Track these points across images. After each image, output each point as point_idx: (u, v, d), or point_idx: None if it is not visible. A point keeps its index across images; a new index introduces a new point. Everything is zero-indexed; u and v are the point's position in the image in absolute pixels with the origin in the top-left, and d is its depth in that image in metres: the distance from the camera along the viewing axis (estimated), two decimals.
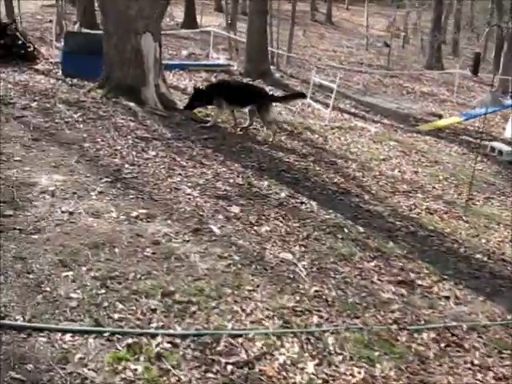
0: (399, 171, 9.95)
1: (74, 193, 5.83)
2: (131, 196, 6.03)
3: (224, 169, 7.53)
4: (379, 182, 8.90)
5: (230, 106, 9.56)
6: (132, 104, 9.43)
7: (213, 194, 6.59)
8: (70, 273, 4.32)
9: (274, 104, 10.01)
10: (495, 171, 11.34)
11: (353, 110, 15.32)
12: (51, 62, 14.01)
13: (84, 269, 4.42)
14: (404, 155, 11.27)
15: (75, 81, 11.89)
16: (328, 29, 41.34)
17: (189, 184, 6.73)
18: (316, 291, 5.00)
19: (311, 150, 9.72)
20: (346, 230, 6.42)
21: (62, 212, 5.35)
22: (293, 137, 10.45)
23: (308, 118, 12.78)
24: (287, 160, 8.70)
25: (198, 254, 5.07)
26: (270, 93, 11.10)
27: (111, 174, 6.53)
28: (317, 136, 10.94)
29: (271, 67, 17.03)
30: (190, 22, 26.44)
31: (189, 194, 6.44)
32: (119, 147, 7.50)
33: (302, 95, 12.18)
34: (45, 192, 5.73)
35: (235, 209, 6.32)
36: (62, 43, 14.93)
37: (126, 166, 6.89)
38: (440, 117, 16.06)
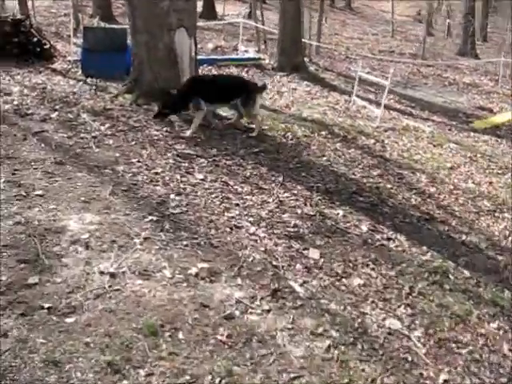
0: (473, 182, 8.63)
1: (114, 241, 4.54)
2: (184, 242, 4.73)
3: (287, 194, 6.22)
4: (458, 199, 7.58)
5: (211, 106, 7.91)
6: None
7: (282, 232, 5.28)
8: (125, 383, 3.02)
9: (260, 94, 8.48)
10: None
11: (398, 106, 13.90)
12: (69, 61, 12.72)
13: (142, 373, 3.13)
14: (470, 161, 9.93)
15: (97, 81, 10.59)
16: (348, 15, 39.76)
17: (250, 219, 5.42)
18: (445, 381, 3.69)
19: (373, 161, 8.38)
20: (451, 277, 5.12)
21: (101, 273, 4.07)
22: (347, 143, 9.09)
23: (356, 118, 11.38)
24: (353, 177, 7.37)
25: (286, 333, 3.77)
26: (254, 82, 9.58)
27: (155, 209, 5.23)
28: (373, 141, 9.59)
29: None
30: (209, 11, 24.98)
31: (253, 234, 5.14)
32: (159, 169, 6.19)
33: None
34: (76, 242, 4.44)
35: (314, 253, 5.02)
36: (81, 39, 13.64)
37: (172, 196, 5.59)
38: (490, 111, 14.64)
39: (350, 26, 33.22)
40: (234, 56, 15.54)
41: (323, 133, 9.25)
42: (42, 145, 6.49)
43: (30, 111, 7.83)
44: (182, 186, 5.91)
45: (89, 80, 10.76)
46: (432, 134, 11.21)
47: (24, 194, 5.15)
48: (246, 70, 14.35)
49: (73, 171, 5.83)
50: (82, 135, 7.03)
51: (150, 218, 5.06)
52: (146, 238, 4.69)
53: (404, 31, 32.94)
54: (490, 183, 8.79)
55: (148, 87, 8.39)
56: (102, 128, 7.36)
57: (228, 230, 5.17)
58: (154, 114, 7.82)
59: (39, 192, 5.23)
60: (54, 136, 6.87)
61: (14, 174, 5.58)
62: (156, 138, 7.24)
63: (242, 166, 6.79)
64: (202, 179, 6.16)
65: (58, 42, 15.31)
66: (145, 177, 5.95)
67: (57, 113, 7.80)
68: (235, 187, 6.14)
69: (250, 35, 19.93)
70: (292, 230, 5.42)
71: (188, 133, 7.42)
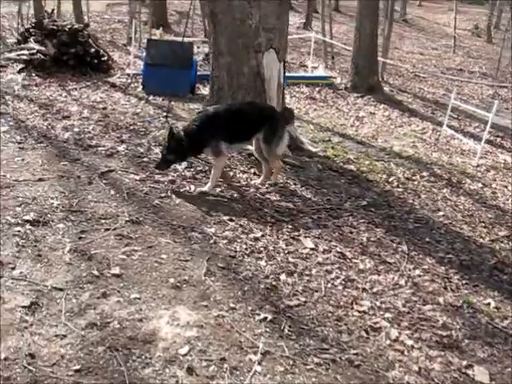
0: None
1: (223, 359, 3.24)
2: (315, 358, 3.42)
3: (418, 271, 4.88)
4: None
5: (232, 146, 5.92)
6: (251, 147, 6.80)
7: (431, 338, 3.95)
8: None
9: (291, 126, 6.24)
10: None
11: (487, 136, 12.30)
12: (128, 74, 11.60)
13: None
14: None
15: (162, 101, 9.43)
16: (403, 28, 38.12)
17: (387, 315, 4.10)
18: None
19: (490, 214, 6.96)
20: None
21: None
22: (454, 188, 7.69)
23: (450, 153, 9.95)
24: (482, 241, 5.95)
25: None
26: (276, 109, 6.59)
27: (266, 299, 3.94)
28: (480, 185, 8.16)
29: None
30: None
31: (397, 341, 3.78)
32: (258, 232, 4.92)
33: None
34: (173, 362, 3.19)
35: (481, 374, 3.63)
36: (138, 49, 12.54)
37: (282, 276, 4.30)
38: None
39: (407, 40, 31.68)
40: (303, 74, 14.22)
41: (425, 174, 7.90)
42: (112, 192, 5.27)
43: (93, 142, 6.66)
44: (290, 259, 4.59)
45: (151, 98, 9.59)
46: None
47: (96, 272, 3.90)
48: (317, 89, 13.02)
49: (153, 235, 4.56)
50: (156, 177, 5.79)
51: (263, 315, 3.76)
52: (264, 353, 3.36)
53: (465, 46, 31.21)
54: None
55: None
56: (179, 168, 6.10)
57: (363, 333, 3.83)
58: (156, 163, 5.84)
59: (115, 270, 3.98)
60: (125, 178, 5.64)
61: (80, 238, 4.33)
62: (238, 185, 5.94)
63: (353, 226, 5.45)
64: (312, 248, 4.83)
65: (113, 51, 14.30)
66: (243, 245, 4.66)
67: (124, 145, 6.60)
68: (354, 261, 4.80)
69: (309, 48, 18.62)
70: (442, 332, 4.05)
71: (206, 187, 5.69)
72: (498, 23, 37.39)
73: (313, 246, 4.90)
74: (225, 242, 4.66)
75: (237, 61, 6.98)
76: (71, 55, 10.92)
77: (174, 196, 5.40)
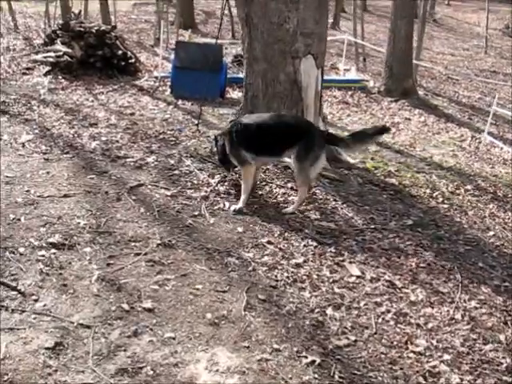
0: None
1: None
2: None
3: (474, 302, 4.45)
4: None
5: (257, 158, 5.39)
6: (288, 160, 6.41)
7: None
8: None
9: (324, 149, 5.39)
10: None
11: None
12: (156, 77, 11.28)
13: None
14: None
15: (191, 105, 9.10)
16: (432, 27, 37.27)
17: (445, 356, 3.67)
18: None
19: None
20: None
21: None
22: (500, 203, 7.19)
23: (492, 162, 9.44)
24: None
25: None
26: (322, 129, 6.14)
27: (312, 338, 3.55)
28: None
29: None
30: None
31: None
32: (300, 258, 4.56)
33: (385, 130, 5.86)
34: None
35: None
36: (171, 55, 12.24)
37: (329, 311, 3.90)
38: None
39: (437, 40, 30.96)
40: (335, 77, 13.77)
41: (469, 187, 7.43)
42: (142, 209, 4.92)
43: (121, 152, 6.33)
44: (336, 289, 4.20)
45: (180, 102, 9.26)
46: None
47: (127, 306, 3.55)
48: (350, 93, 12.56)
49: (187, 260, 4.20)
50: (188, 193, 5.43)
51: (310, 357, 3.38)
52: None
53: (496, 46, 30.38)
54: None
55: None
56: (212, 182, 5.73)
57: (421, 379, 3.42)
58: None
59: (147, 303, 3.63)
60: (155, 194, 5.30)
61: (109, 264, 3.99)
62: (284, 201, 5.55)
63: (400, 250, 5.02)
64: (358, 276, 4.42)
65: (140, 52, 14.01)
66: (284, 273, 4.27)
67: (154, 156, 6.26)
68: (405, 290, 4.38)
69: (339, 50, 18.13)
70: (507, 378, 3.60)
71: (239, 204, 5.29)
72: None
73: (359, 273, 4.49)
74: (264, 269, 4.28)
75: (273, 67, 6.59)
76: (98, 57, 10.65)
77: (207, 214, 5.02)
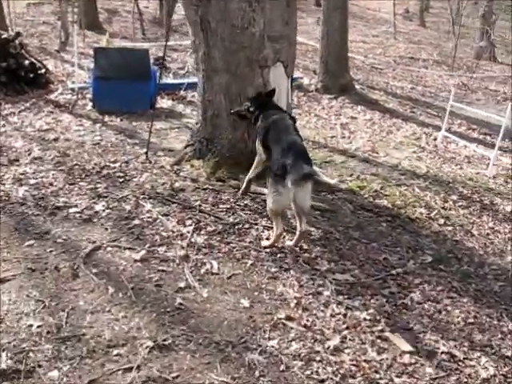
0: None
1: None
2: None
3: None
4: None
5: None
6: (267, 190, 5.32)
7: None
8: None
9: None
10: None
11: (475, 135, 11.34)
12: (72, 89, 9.76)
13: None
14: None
15: (120, 121, 7.81)
16: None
17: None
18: None
19: None
20: None
21: None
22: (491, 212, 6.54)
23: (457, 162, 8.82)
24: None
25: None
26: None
27: None
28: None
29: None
30: None
31: None
32: (335, 337, 3.44)
33: None
34: None
35: None
36: (84, 61, 10.72)
37: None
38: None
39: None
40: None
41: (454, 198, 6.75)
42: (110, 289, 3.69)
43: (60, 200, 4.97)
44: (396, 378, 3.15)
45: (106, 118, 7.89)
46: None
47: None
48: None
49: (197, 369, 3.04)
50: (161, 252, 4.22)
51: None
52: None
53: (402, 32, 30.64)
54: None
55: (231, 151, 5.60)
56: (185, 231, 4.53)
57: None
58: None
59: None
60: (119, 260, 4.06)
61: None
62: (276, 244, 4.46)
63: (436, 301, 4.12)
64: (411, 352, 3.40)
65: (46, 59, 12.31)
66: (326, 366, 3.21)
67: (103, 203, 4.95)
68: (469, 363, 3.46)
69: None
70: None
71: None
72: (428, 6, 37.26)
73: (411, 348, 3.48)
74: (300, 364, 3.19)
75: (237, 80, 5.46)
76: (2, 70, 8.98)
77: (196, 285, 3.83)
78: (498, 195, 7.30)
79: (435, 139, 10.00)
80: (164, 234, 4.54)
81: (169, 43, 14.29)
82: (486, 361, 3.53)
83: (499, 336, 3.85)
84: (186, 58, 13.30)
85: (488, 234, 5.81)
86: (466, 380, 3.35)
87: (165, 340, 3.21)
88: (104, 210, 4.82)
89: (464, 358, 3.52)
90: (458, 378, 3.34)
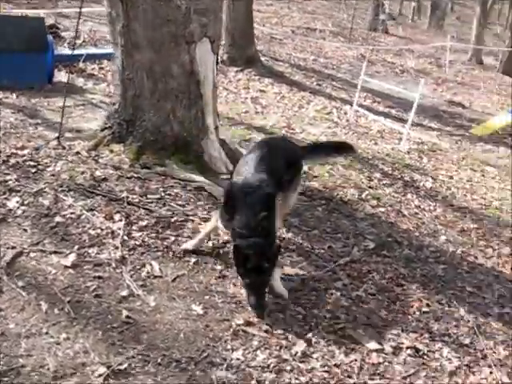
0: None
1: None
2: None
3: (501, 350, 3.61)
4: None
5: None
6: (198, 178, 5.02)
7: None
8: None
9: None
10: None
11: (381, 109, 11.58)
12: None
13: None
14: None
15: (16, 98, 7.11)
16: None
17: None
18: None
19: (472, 223, 6.00)
20: None
21: None
22: (414, 190, 6.67)
23: (369, 136, 8.91)
24: (504, 271, 4.88)
25: None
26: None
27: None
28: (431, 180, 7.21)
29: None
30: None
31: None
32: (300, 342, 3.27)
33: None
34: None
35: None
36: None
37: None
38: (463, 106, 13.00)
39: None
40: None
41: (377, 175, 6.78)
42: (43, 304, 3.23)
43: None
44: (369, 381, 3.02)
45: (3, 96, 7.12)
46: (457, 155, 9.07)
47: None
48: None
49: None
50: (93, 255, 3.79)
51: None
52: None
53: (298, 1, 30.74)
54: None
55: (155, 135, 5.16)
56: (115, 228, 4.10)
57: None
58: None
59: None
60: (48, 267, 3.58)
61: None
62: (216, 237, 4.17)
63: (388, 290, 4.06)
64: (377, 350, 3.29)
65: None
66: (297, 375, 3.00)
67: (17, 198, 4.36)
68: (433, 356, 3.42)
69: None
70: None
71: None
72: None
73: (377, 345, 3.36)
74: (271, 377, 2.91)
75: (162, 57, 5.02)
76: None
77: (140, 292, 3.44)
78: (416, 171, 7.43)
79: (346, 113, 10.01)
80: (92, 232, 4.06)
81: (60, 9, 13.22)
82: (448, 352, 3.49)
83: (454, 323, 3.83)
84: (80, 27, 12.32)
85: (417, 213, 5.85)
86: (433, 374, 3.26)
87: (120, 364, 2.81)
88: (19, 207, 4.24)
89: (428, 351, 3.45)
90: (426, 373, 3.26)
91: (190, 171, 5.10)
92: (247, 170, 3.78)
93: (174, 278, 3.69)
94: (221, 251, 4.09)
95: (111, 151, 5.22)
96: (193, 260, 3.94)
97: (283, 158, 4.03)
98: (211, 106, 5.40)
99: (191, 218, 4.48)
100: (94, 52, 10.47)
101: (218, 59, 5.51)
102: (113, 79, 5.43)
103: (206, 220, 4.41)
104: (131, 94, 5.19)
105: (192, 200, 4.76)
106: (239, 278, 3.49)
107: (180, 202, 4.71)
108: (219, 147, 5.41)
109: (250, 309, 3.43)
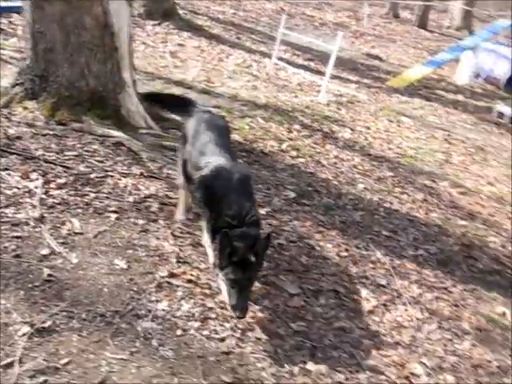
0: (489, 182, 7.03)
1: None
2: None
3: (415, 288, 3.88)
4: (506, 226, 5.83)
5: None
6: (116, 133, 4.95)
7: None
8: None
9: None
10: None
11: (300, 62, 11.66)
12: None
13: None
14: (447, 144, 8.34)
15: None
16: None
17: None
18: None
19: (390, 171, 6.29)
20: None
21: None
22: (333, 141, 6.83)
23: (289, 89, 8.99)
24: (420, 216, 5.18)
25: None
26: None
27: None
28: (349, 131, 7.44)
29: None
30: None
31: None
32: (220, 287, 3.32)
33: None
34: None
35: None
36: None
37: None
38: (380, 59, 13.32)
39: None
40: None
41: (297, 127, 6.92)
42: None
43: None
44: (282, 319, 3.14)
45: None
46: (374, 106, 9.36)
47: None
48: None
49: (89, 349, 2.76)
50: (10, 215, 3.69)
51: None
52: None
53: None
54: (501, 181, 7.25)
55: (69, 90, 5.00)
56: (33, 187, 4.00)
57: None
58: None
59: None
60: None
61: None
62: (136, 192, 4.15)
63: (309, 237, 4.13)
64: (294, 295, 3.43)
65: None
66: (223, 322, 3.04)
67: None
68: (352, 297, 3.55)
69: None
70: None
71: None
72: None
73: (298, 290, 3.50)
74: (196, 325, 3.01)
75: (73, 8, 4.81)
76: None
77: (62, 250, 3.40)
78: (335, 122, 7.60)
79: (265, 66, 10.00)
80: (8, 192, 3.93)
81: None
82: (367, 293, 3.67)
83: (371, 266, 4.02)
84: None
85: (335, 163, 6.02)
86: (352, 314, 3.43)
87: (43, 322, 2.78)
88: None
89: (347, 293, 3.61)
90: (345, 314, 3.41)
91: (107, 126, 4.98)
92: (215, 150, 3.55)
93: (96, 235, 3.65)
94: (142, 206, 4.05)
95: (24, 108, 5.01)
96: (114, 216, 3.88)
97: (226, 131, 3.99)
98: (127, 59, 5.26)
99: (110, 173, 4.41)
100: (2, 5, 9.86)
101: (131, 10, 5.33)
102: (23, 33, 5.15)
103: (126, 175, 4.36)
104: (42, 48, 4.96)
105: (111, 156, 4.67)
106: (217, 272, 3.10)
107: (98, 158, 4.60)
108: (137, 101, 5.31)
109: (172, 258, 3.45)
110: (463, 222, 5.43)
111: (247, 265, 2.94)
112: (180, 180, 3.96)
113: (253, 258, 2.95)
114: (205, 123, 3.82)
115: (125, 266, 3.38)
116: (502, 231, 5.56)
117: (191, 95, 7.17)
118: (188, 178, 3.73)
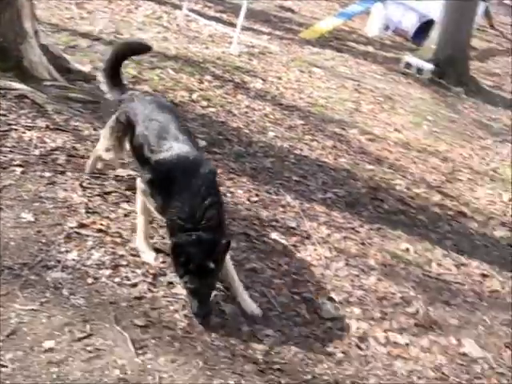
0: (396, 129, 7.37)
1: None
2: None
3: (325, 229, 4.05)
4: (411, 170, 6.16)
5: None
6: (19, 85, 4.77)
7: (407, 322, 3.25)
8: None
9: None
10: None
11: (212, 13, 11.49)
12: None
13: None
14: (357, 93, 8.60)
15: None
16: None
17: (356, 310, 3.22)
18: None
19: (300, 119, 6.44)
20: None
21: None
22: (244, 91, 6.88)
23: (200, 40, 8.89)
24: (328, 161, 5.38)
25: None
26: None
27: None
28: (260, 81, 7.51)
29: None
30: None
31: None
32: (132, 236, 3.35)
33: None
34: None
35: None
36: None
37: None
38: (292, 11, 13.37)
39: None
40: None
41: (209, 78, 6.89)
42: None
43: None
44: None
45: None
46: (286, 57, 9.44)
47: None
48: None
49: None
50: None
51: None
52: None
53: None
54: (409, 128, 7.62)
55: None
56: None
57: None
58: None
59: None
60: None
61: None
62: (42, 145, 4.06)
63: (219, 184, 4.20)
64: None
65: None
66: (135, 269, 3.09)
67: None
68: (257, 238, 3.68)
69: None
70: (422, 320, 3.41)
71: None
72: None
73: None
74: (106, 272, 3.01)
75: None
76: None
77: None
78: (246, 73, 7.60)
79: (176, 18, 9.80)
80: None
81: None
82: (277, 235, 3.78)
83: (281, 209, 4.13)
84: None
85: (247, 113, 6.06)
86: (262, 256, 3.54)
87: None
88: None
89: (257, 236, 3.72)
90: (256, 256, 3.52)
91: (9, 79, 4.77)
92: (176, 135, 3.17)
93: (0, 189, 3.53)
94: (49, 159, 3.95)
95: None
96: (19, 170, 3.77)
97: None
98: (28, 8, 5.01)
99: (14, 127, 4.25)
100: None
101: None
102: None
103: (31, 129, 4.22)
104: None
105: (14, 109, 4.49)
106: (179, 279, 2.91)
107: (1, 112, 4.41)
108: (40, 52, 5.09)
109: (81, 211, 3.41)
110: (371, 167, 5.64)
111: (206, 272, 2.78)
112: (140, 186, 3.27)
113: (212, 265, 2.77)
114: (154, 104, 3.45)
115: (32, 219, 3.30)
116: (407, 174, 5.83)
117: (99, 47, 6.99)
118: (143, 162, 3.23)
